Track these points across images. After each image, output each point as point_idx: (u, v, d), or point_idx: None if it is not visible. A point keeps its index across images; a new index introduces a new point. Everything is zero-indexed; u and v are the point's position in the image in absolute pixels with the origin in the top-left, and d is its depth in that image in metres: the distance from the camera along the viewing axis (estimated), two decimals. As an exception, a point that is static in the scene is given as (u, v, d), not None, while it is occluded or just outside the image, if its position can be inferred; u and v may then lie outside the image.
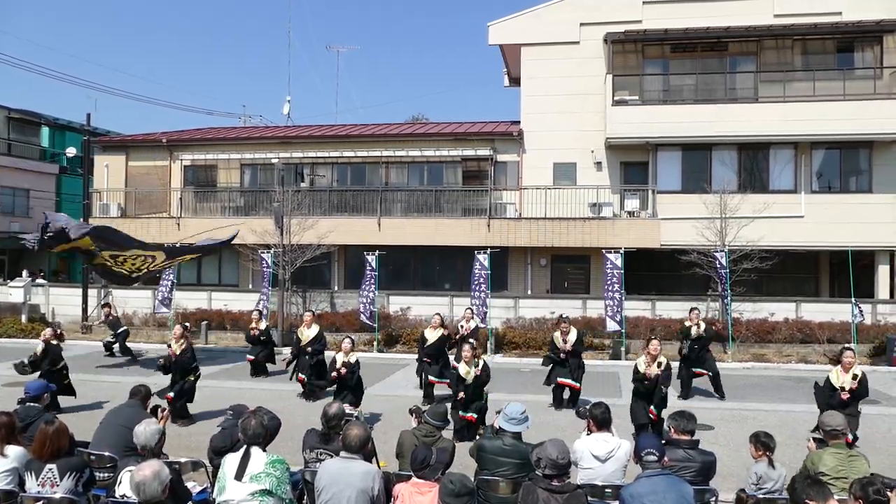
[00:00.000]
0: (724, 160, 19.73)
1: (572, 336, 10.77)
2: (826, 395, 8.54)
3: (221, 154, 22.92)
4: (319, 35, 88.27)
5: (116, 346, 15.50)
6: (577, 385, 10.68)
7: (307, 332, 11.68)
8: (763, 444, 5.18)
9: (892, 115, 18.06)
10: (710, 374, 11.73)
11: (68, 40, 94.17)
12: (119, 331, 15.55)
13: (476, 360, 8.95)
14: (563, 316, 11.69)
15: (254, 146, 22.90)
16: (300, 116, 53.15)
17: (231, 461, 4.54)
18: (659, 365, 8.64)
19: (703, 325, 11.89)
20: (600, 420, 5.37)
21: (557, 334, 10.86)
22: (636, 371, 8.80)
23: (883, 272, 18.91)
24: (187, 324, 10.80)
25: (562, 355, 10.69)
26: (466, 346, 9.10)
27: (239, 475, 4.38)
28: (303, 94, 78.50)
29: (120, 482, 4.77)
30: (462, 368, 8.92)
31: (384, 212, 20.57)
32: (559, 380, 10.66)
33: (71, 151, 26.60)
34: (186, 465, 5.61)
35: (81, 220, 15.18)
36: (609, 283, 16.25)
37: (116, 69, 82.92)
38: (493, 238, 19.26)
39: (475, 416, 8.79)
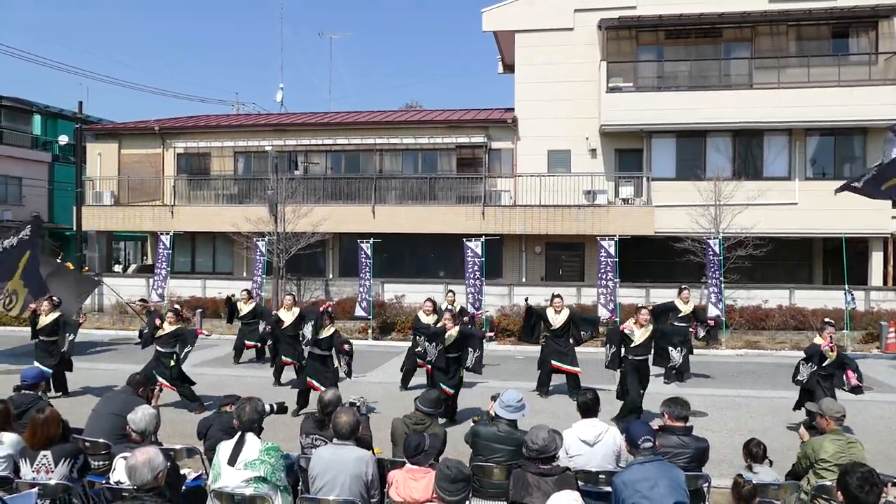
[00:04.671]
0: (718, 147, 19.73)
1: (564, 314, 10.71)
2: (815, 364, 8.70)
3: (215, 142, 22.79)
4: (312, 22, 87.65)
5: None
6: (575, 369, 10.54)
7: (286, 315, 11.69)
8: (749, 452, 5.32)
9: (886, 101, 18.04)
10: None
11: (59, 27, 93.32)
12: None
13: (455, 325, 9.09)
14: (557, 293, 11.56)
15: (247, 134, 22.80)
16: (293, 104, 52.84)
17: (225, 448, 4.55)
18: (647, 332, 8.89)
19: (691, 304, 12.04)
20: (584, 407, 5.42)
21: (551, 310, 10.74)
22: (625, 336, 8.97)
23: (876, 259, 18.98)
24: (177, 306, 10.71)
25: (552, 329, 10.65)
26: (447, 314, 9.26)
27: (232, 461, 4.39)
28: (296, 81, 78.14)
29: (114, 469, 4.79)
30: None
31: (378, 199, 20.52)
32: (553, 363, 10.57)
33: (63, 139, 26.38)
34: (181, 451, 5.62)
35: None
36: (602, 270, 16.29)
37: (108, 57, 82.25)
38: (487, 226, 19.25)
39: (453, 391, 8.89)
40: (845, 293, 15.87)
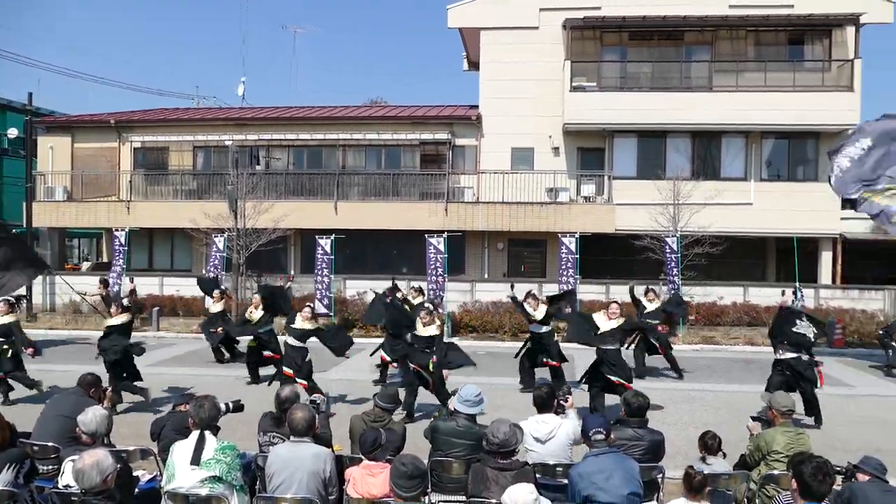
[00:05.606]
0: (678, 147, 20.14)
1: (542, 308, 10.88)
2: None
3: (173, 136, 22.40)
4: (275, 15, 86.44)
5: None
6: (557, 362, 10.69)
7: (256, 314, 11.59)
8: (705, 444, 5.45)
9: (838, 107, 18.67)
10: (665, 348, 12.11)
11: (6, 13, 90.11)
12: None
13: (434, 322, 9.12)
14: (531, 291, 11.72)
15: (207, 128, 22.42)
16: (255, 98, 52.09)
17: (181, 448, 4.48)
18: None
19: (657, 303, 12.24)
20: (538, 403, 5.49)
21: (529, 308, 10.93)
22: (594, 325, 9.09)
23: (826, 258, 19.62)
24: (125, 299, 10.37)
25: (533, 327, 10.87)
26: (423, 312, 9.26)
27: (196, 460, 4.33)
28: (258, 75, 76.95)
29: (63, 472, 4.67)
30: (420, 329, 9.05)
31: (341, 195, 20.40)
32: (546, 360, 10.69)
33: (12, 132, 25.56)
34: (135, 453, 5.50)
35: None
36: (564, 267, 16.51)
37: (61, 46, 79.80)
38: (450, 222, 19.31)
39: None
40: (794, 291, 16.34)
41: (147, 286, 19.84)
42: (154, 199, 21.73)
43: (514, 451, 4.44)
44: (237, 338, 13.43)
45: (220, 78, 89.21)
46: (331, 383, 11.05)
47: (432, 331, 9.07)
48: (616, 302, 9.58)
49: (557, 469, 4.97)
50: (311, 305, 10.14)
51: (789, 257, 17.42)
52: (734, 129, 19.51)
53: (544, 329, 10.79)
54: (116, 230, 18.92)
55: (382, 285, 18.32)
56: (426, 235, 17.40)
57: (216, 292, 13.71)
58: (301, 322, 9.53)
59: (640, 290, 12.41)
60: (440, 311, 15.41)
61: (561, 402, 5.69)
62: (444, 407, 5.61)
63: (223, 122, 22.56)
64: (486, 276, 20.42)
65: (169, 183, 22.33)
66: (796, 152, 20.13)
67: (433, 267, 17.02)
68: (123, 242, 18.50)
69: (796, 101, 18.74)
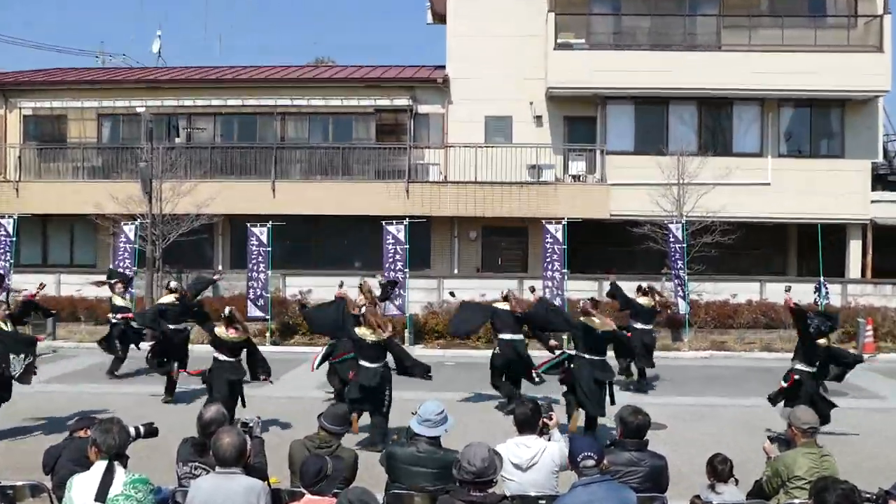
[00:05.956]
0: (682, 117, 20.33)
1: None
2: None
3: (73, 101, 22.00)
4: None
5: None
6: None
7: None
8: (714, 469, 5.51)
9: (866, 70, 18.94)
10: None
11: None
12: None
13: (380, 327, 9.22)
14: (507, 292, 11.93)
15: (115, 92, 22.13)
16: (175, 57, 51.14)
17: (82, 482, 4.35)
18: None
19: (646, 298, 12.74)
20: (521, 421, 5.44)
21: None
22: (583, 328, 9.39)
23: (854, 248, 19.96)
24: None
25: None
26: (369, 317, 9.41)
27: (101, 496, 4.21)
28: (180, 32, 75.26)
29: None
30: (360, 331, 9.18)
31: (280, 174, 20.24)
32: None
33: None
34: (23, 489, 5.37)
35: None
36: (548, 260, 16.57)
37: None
38: (413, 206, 19.25)
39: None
40: (818, 286, 16.58)
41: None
42: (49, 179, 21.40)
43: (492, 481, 4.40)
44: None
45: (133, 33, 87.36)
46: (268, 401, 10.93)
47: (373, 337, 9.18)
48: (591, 300, 9.88)
49: (540, 502, 4.95)
50: (231, 309, 9.90)
51: (813, 247, 17.69)
52: (747, 95, 19.75)
53: (517, 337, 10.87)
54: (2, 217, 18.47)
55: (330, 282, 18.25)
56: (383, 222, 17.34)
57: (119, 284, 14.35)
58: (221, 331, 9.51)
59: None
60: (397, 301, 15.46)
61: (544, 419, 5.66)
62: (409, 429, 5.54)
63: (134, 85, 22.32)
64: (455, 271, 20.42)
65: (68, 159, 22.03)
66: (819, 123, 20.46)
67: (392, 260, 16.97)
68: (10, 232, 18.11)
69: (817, 62, 18.98)
